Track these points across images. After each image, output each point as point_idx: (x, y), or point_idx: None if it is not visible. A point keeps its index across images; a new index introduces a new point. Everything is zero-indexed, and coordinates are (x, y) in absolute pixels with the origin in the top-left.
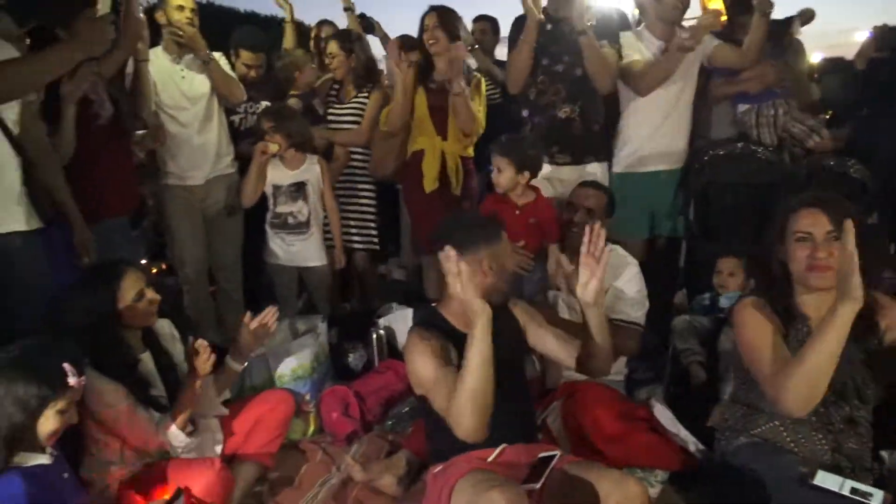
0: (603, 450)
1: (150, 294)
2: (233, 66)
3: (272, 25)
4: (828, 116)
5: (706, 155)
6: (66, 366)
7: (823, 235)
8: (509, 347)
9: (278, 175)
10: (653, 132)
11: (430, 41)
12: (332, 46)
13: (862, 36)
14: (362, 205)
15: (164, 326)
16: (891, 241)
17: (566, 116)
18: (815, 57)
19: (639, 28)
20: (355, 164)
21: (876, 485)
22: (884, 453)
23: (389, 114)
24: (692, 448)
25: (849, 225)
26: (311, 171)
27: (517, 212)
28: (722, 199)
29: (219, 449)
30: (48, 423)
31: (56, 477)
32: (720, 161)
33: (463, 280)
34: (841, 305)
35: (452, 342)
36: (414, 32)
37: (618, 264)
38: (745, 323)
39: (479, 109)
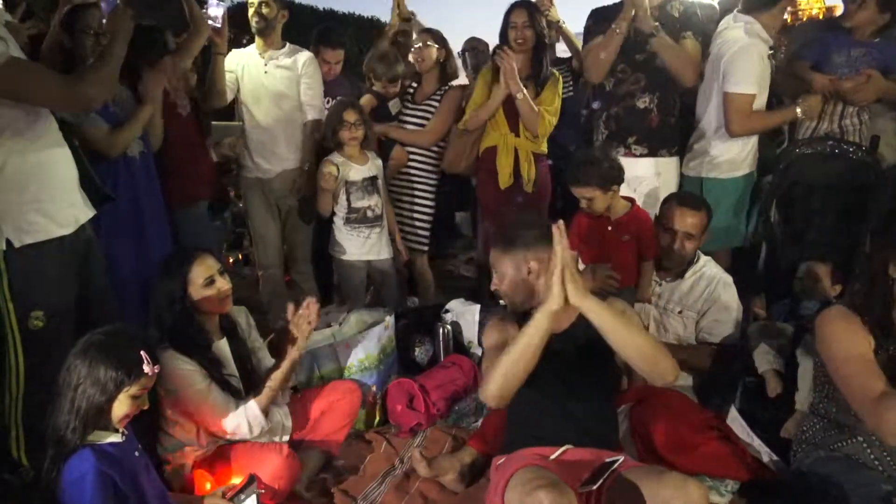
0: (671, 459)
1: (221, 281)
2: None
3: (349, 23)
4: None
5: (792, 154)
6: (143, 353)
7: None
8: (587, 341)
9: (350, 171)
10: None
11: (519, 41)
12: (427, 39)
13: None
14: (418, 205)
15: (241, 315)
16: None
17: (644, 106)
18: None
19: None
20: (414, 164)
21: None
22: None
23: (476, 113)
24: (766, 459)
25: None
26: (376, 165)
27: (609, 227)
28: (808, 200)
29: (287, 435)
30: (122, 406)
31: (127, 455)
32: (808, 160)
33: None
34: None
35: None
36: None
37: (715, 282)
38: (834, 335)
39: (550, 109)
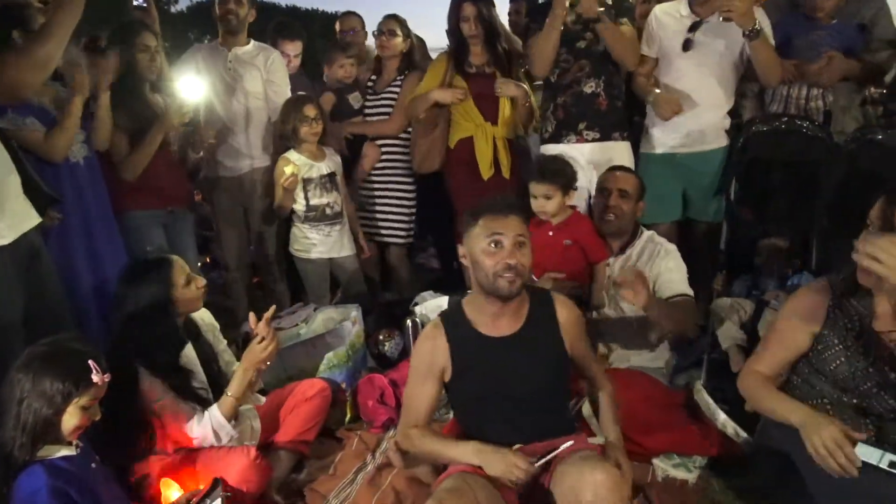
0: (638, 439)
1: (197, 279)
2: None
3: (313, 19)
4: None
5: (749, 131)
6: (91, 363)
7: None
8: (540, 340)
9: (307, 169)
10: (687, 112)
11: (471, 33)
12: (393, 25)
13: None
14: (397, 198)
15: (205, 318)
16: None
17: (592, 91)
18: None
19: None
20: (390, 157)
21: None
22: None
23: (413, 103)
24: (732, 433)
25: None
26: (335, 161)
27: (551, 233)
28: (766, 177)
29: (256, 438)
30: (72, 418)
31: (83, 468)
32: (763, 137)
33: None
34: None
35: (458, 335)
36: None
37: (655, 252)
38: (796, 301)
39: (531, 98)
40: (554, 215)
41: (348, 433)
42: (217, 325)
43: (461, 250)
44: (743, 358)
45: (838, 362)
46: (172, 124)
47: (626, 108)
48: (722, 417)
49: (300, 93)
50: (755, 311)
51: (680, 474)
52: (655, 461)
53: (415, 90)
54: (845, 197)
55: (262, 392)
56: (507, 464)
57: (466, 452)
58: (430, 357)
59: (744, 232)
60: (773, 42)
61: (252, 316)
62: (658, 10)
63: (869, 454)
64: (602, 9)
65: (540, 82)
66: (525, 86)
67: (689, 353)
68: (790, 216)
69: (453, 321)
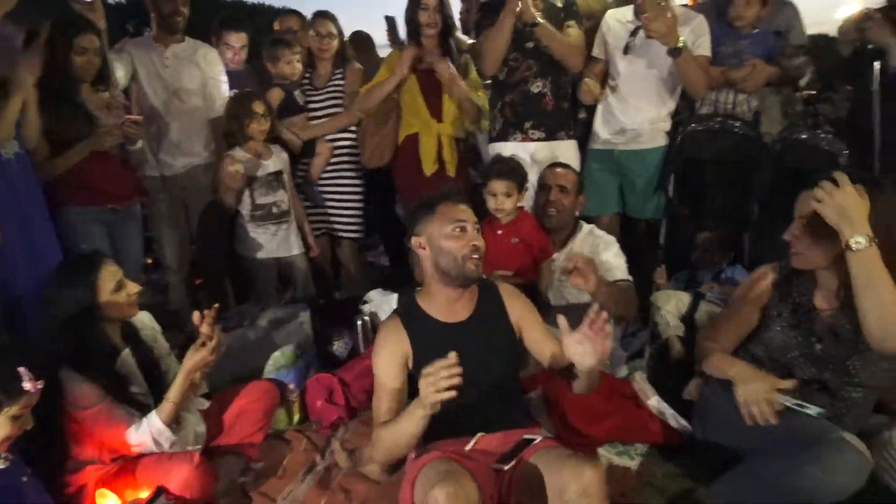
0: (585, 430)
1: (129, 285)
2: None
3: (258, 13)
4: (814, 92)
5: (685, 131)
6: (22, 370)
7: (798, 220)
8: (491, 330)
9: (252, 167)
10: (629, 110)
11: (429, 22)
12: (330, 27)
13: (844, 12)
14: (347, 193)
15: (145, 320)
16: None
17: (538, 91)
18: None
19: None
20: (339, 152)
21: None
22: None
23: (367, 96)
24: (672, 421)
25: None
26: (282, 159)
27: (499, 231)
28: (701, 175)
29: (201, 443)
30: (2, 428)
31: (13, 481)
32: (698, 137)
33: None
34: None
35: (417, 327)
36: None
37: (595, 244)
38: (745, 284)
39: (481, 92)
40: (508, 215)
41: (297, 434)
42: (158, 328)
43: (415, 241)
44: (682, 348)
45: (775, 331)
46: (104, 144)
47: (573, 107)
48: (662, 406)
49: (246, 90)
50: (692, 303)
51: (623, 462)
52: (600, 450)
53: (359, 83)
54: (774, 193)
55: (207, 396)
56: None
57: (414, 416)
58: (394, 346)
59: (681, 228)
60: (707, 52)
61: (196, 314)
62: (608, 14)
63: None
64: (540, 13)
65: (488, 80)
66: (463, 83)
67: (631, 345)
68: (724, 212)
69: (409, 314)
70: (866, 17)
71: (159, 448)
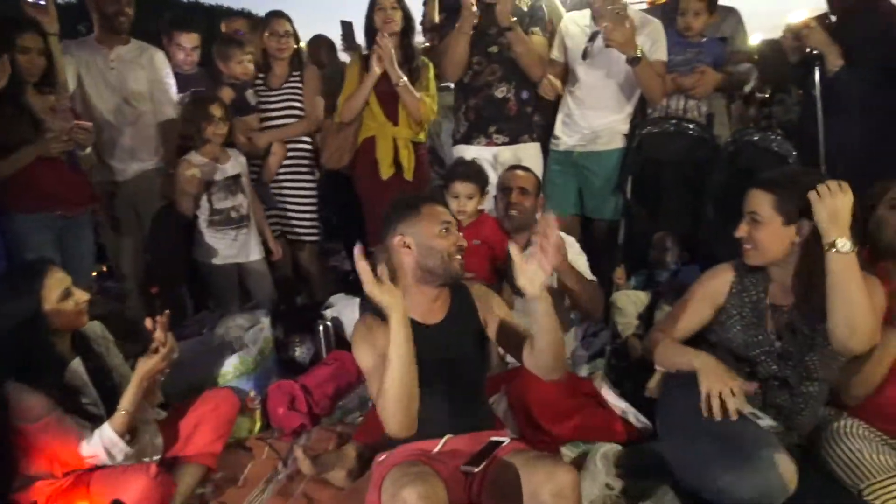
0: (550, 429)
1: (78, 293)
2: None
3: (216, 15)
4: (766, 95)
5: (642, 133)
6: None
7: (747, 216)
8: (462, 332)
9: (210, 171)
10: (588, 114)
11: (387, 21)
12: (286, 26)
13: (794, 18)
14: (304, 196)
15: (96, 329)
16: None
17: (502, 96)
18: (754, 38)
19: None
20: (295, 154)
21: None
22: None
23: (348, 104)
24: (633, 419)
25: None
26: (239, 162)
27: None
28: (657, 176)
29: (158, 455)
30: None
31: None
32: (655, 139)
33: (365, 278)
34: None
35: None
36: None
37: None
38: (703, 280)
39: (430, 95)
40: (469, 217)
41: (258, 442)
42: (111, 338)
43: (399, 240)
44: (641, 347)
45: (735, 331)
46: (51, 149)
47: (536, 111)
48: (623, 404)
49: (201, 93)
50: (651, 303)
51: None
52: (563, 449)
53: (318, 88)
54: (728, 193)
55: (164, 406)
56: None
57: (392, 330)
58: (383, 340)
59: (639, 228)
60: (663, 57)
61: (148, 320)
62: (567, 17)
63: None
64: (515, 18)
65: (449, 85)
66: (412, 89)
67: (592, 345)
68: (680, 212)
69: (383, 314)
70: (804, 24)
71: (113, 460)
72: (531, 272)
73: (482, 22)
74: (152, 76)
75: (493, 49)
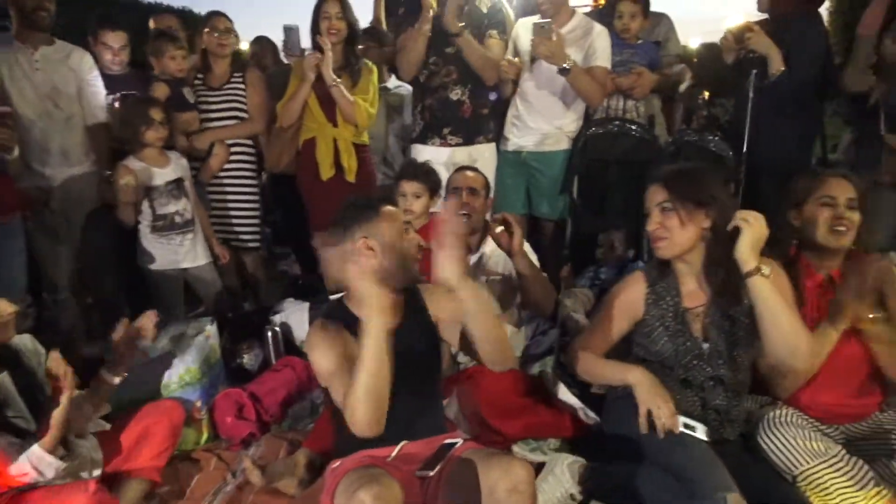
0: (501, 428)
1: (3, 305)
2: (95, 56)
3: (156, 13)
4: (706, 97)
5: (587, 134)
6: None
7: (656, 208)
8: (416, 335)
9: (149, 176)
10: (536, 116)
11: (333, 31)
12: (227, 23)
13: (730, 23)
14: (247, 201)
15: (27, 343)
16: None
17: (457, 98)
18: (693, 42)
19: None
20: (237, 158)
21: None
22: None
23: (286, 108)
24: (581, 415)
25: None
26: (181, 165)
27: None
28: (603, 175)
29: (98, 470)
30: None
31: None
32: (599, 140)
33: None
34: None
35: (353, 333)
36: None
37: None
38: (617, 292)
39: (367, 98)
40: (417, 217)
41: (205, 454)
42: (42, 351)
43: (362, 242)
44: None
45: (663, 342)
46: None
47: (492, 113)
48: (572, 400)
49: (137, 94)
50: (597, 300)
51: (537, 458)
52: (515, 448)
53: (262, 90)
54: None
55: (107, 418)
56: None
57: (371, 325)
58: (343, 346)
59: (586, 227)
60: (604, 63)
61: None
62: (519, 23)
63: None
64: (463, 24)
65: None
66: (346, 92)
67: (542, 344)
68: (625, 211)
69: (344, 320)
70: (747, 28)
71: (43, 477)
72: (442, 264)
73: (439, 22)
74: (80, 77)
75: (450, 50)
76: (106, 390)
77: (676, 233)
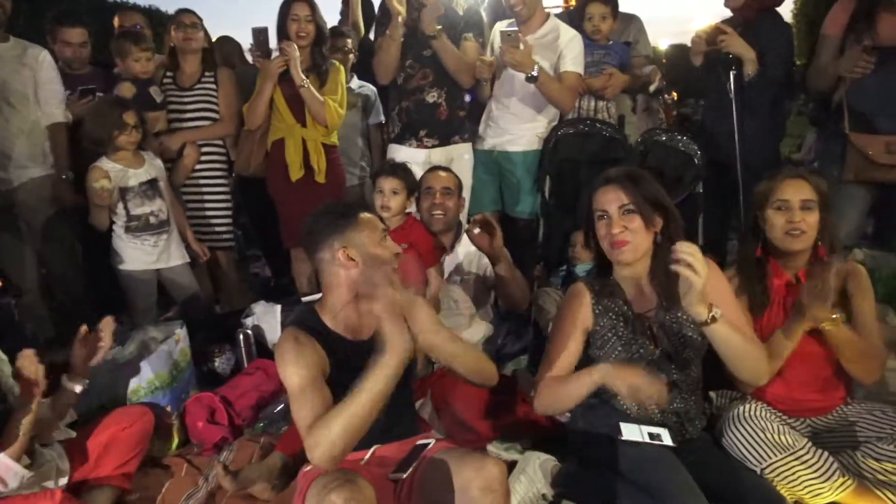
0: (474, 426)
1: None
2: (54, 54)
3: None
4: (674, 97)
5: (558, 134)
6: None
7: (617, 211)
8: None
9: (124, 177)
10: (510, 116)
11: (302, 34)
12: (193, 18)
13: (698, 25)
14: (219, 202)
15: None
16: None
17: (433, 101)
18: (662, 43)
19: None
20: (208, 159)
21: (709, 422)
22: (712, 394)
23: (252, 110)
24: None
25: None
26: (156, 165)
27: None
28: (574, 175)
29: (64, 478)
30: None
31: None
32: (570, 139)
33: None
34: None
35: (326, 345)
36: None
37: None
38: (563, 308)
39: (335, 98)
40: (394, 215)
41: (176, 459)
42: (5, 358)
43: (343, 253)
44: None
45: (617, 351)
46: None
47: (468, 115)
48: None
49: (104, 95)
50: None
51: (511, 456)
52: (490, 447)
53: (234, 91)
54: None
55: (74, 425)
56: None
57: (388, 366)
58: (313, 357)
59: (558, 225)
60: (575, 68)
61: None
62: (497, 26)
63: (632, 432)
64: (440, 27)
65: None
66: (315, 93)
67: (515, 342)
68: None
69: (315, 330)
70: (719, 30)
71: (6, 486)
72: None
73: (417, 24)
74: (38, 77)
75: (427, 52)
76: (68, 398)
77: (640, 236)
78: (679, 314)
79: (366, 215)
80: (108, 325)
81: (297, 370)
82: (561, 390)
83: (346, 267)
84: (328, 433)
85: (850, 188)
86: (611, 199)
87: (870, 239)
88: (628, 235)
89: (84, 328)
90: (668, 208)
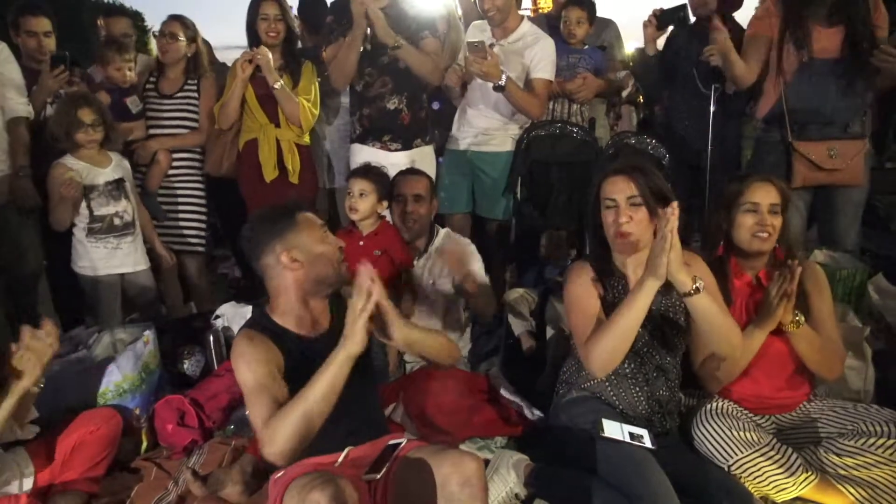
0: (447, 427)
1: None
2: (16, 49)
3: (99, 10)
4: (641, 100)
5: (530, 136)
6: None
7: (625, 201)
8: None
9: (89, 176)
10: (482, 117)
11: (272, 33)
12: (175, 27)
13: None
14: (194, 205)
15: None
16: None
17: (394, 108)
18: (629, 46)
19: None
20: (180, 163)
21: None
22: (681, 394)
23: (223, 111)
24: (527, 413)
25: (665, 212)
26: (122, 166)
27: (361, 242)
28: (546, 176)
29: (28, 483)
30: None
31: None
32: (541, 141)
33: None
34: (647, 280)
35: (281, 343)
36: None
37: (461, 252)
38: (570, 283)
39: (309, 98)
40: (364, 218)
41: (145, 463)
42: None
43: (286, 256)
44: (532, 341)
45: None
46: None
47: (429, 116)
48: (518, 399)
49: (69, 92)
50: (541, 299)
51: (485, 455)
52: (462, 447)
53: (214, 98)
54: None
55: (40, 433)
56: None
57: (337, 361)
58: (267, 354)
59: (529, 226)
60: (546, 75)
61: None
62: (472, 26)
63: (614, 430)
64: (399, 35)
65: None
66: (290, 94)
67: (488, 343)
68: (567, 210)
69: (269, 329)
70: (716, 28)
71: None
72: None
73: (373, 31)
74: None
75: (384, 59)
76: (26, 400)
77: (645, 227)
78: (673, 299)
79: (303, 214)
80: (48, 327)
81: (250, 368)
82: (612, 329)
83: (292, 269)
84: (283, 427)
85: (793, 194)
86: (621, 189)
87: (814, 241)
88: (633, 227)
89: (26, 329)
90: (672, 202)
